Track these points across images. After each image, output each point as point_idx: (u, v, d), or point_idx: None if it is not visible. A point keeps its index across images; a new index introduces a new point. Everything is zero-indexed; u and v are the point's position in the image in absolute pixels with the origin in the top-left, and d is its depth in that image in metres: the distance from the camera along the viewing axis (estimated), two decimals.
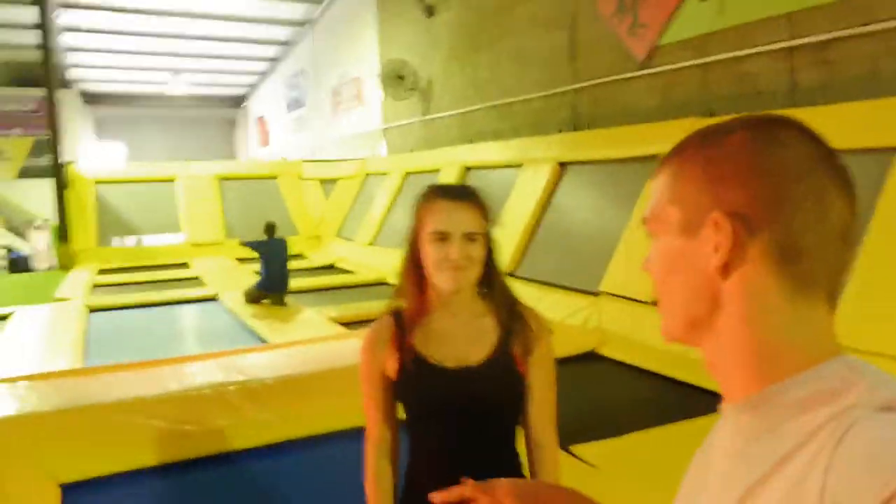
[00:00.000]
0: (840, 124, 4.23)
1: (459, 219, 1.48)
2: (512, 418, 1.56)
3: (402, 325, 1.55)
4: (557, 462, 1.58)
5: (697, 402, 3.61)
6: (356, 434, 2.29)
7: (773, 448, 0.60)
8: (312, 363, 3.45)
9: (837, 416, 0.57)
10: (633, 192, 5.62)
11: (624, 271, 5.29)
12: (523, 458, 1.59)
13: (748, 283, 0.65)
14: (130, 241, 11.37)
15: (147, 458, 2.69)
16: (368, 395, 1.59)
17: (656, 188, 0.72)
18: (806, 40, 4.94)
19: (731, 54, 5.54)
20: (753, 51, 5.36)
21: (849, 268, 0.67)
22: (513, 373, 1.52)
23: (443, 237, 1.47)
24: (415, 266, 1.53)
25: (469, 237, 1.48)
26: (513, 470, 1.54)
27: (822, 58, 4.89)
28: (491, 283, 1.57)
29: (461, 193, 1.53)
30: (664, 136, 5.26)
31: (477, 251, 1.49)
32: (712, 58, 5.73)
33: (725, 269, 0.65)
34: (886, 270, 3.54)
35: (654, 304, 0.80)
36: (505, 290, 1.59)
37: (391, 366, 1.55)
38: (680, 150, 0.71)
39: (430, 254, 1.48)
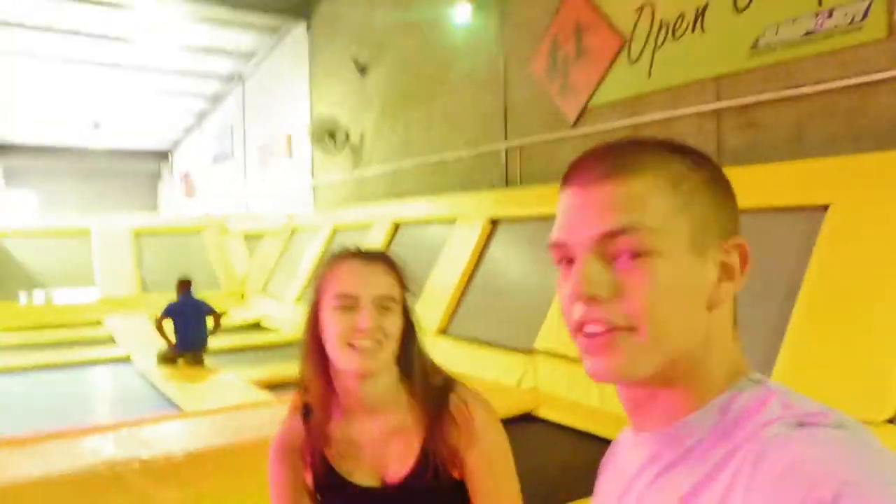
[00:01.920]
0: (767, 184, 4.29)
1: (370, 281, 1.22)
2: None
3: (311, 426, 1.26)
4: None
5: None
6: None
7: (693, 472, 0.60)
8: (227, 433, 3.12)
9: (753, 436, 0.58)
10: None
11: (557, 328, 5.17)
12: None
13: (724, 314, 0.65)
14: (38, 296, 10.64)
15: None
16: None
17: (628, 197, 0.63)
18: (732, 103, 5.05)
19: (660, 115, 5.62)
20: (681, 112, 5.46)
21: None
22: (444, 485, 1.22)
23: (349, 303, 1.20)
24: (318, 350, 1.25)
25: (382, 304, 1.22)
26: None
27: (747, 120, 5.01)
28: (410, 368, 1.28)
29: (373, 254, 1.29)
30: None
31: (391, 324, 1.23)
32: (642, 118, 5.81)
33: (721, 298, 0.64)
34: (820, 325, 3.52)
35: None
36: (426, 379, 1.28)
37: (309, 478, 1.27)
38: (659, 157, 0.66)
39: (333, 326, 1.20)
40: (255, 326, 9.61)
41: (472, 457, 1.23)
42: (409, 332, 1.29)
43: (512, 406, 4.47)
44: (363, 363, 1.19)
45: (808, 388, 3.27)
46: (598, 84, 6.25)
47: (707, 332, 0.63)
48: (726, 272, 0.65)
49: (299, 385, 1.31)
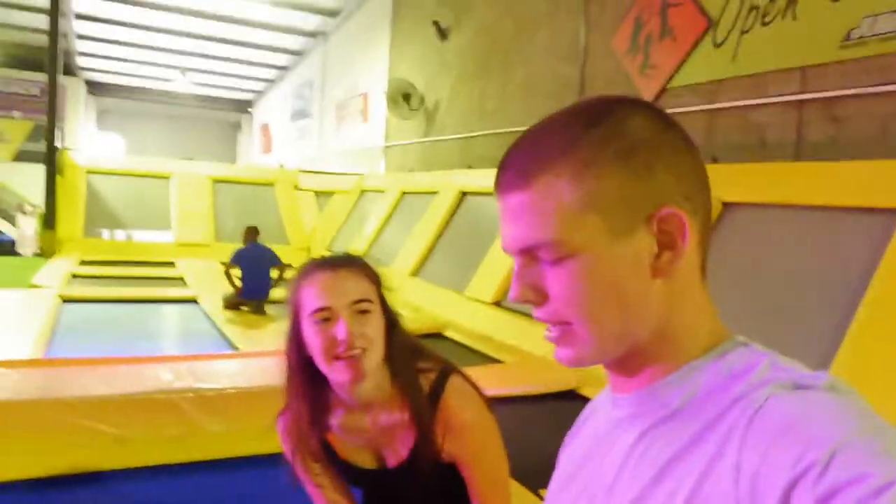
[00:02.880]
0: (846, 182, 4.15)
1: (341, 289, 1.22)
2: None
3: (315, 415, 1.30)
4: None
5: None
6: None
7: (682, 431, 0.60)
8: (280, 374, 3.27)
9: (747, 395, 0.57)
10: None
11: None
12: None
13: (680, 276, 0.63)
14: (118, 234, 11.19)
15: (89, 462, 2.50)
16: (304, 479, 1.37)
17: (530, 209, 0.62)
18: (817, 95, 4.86)
19: (740, 102, 5.46)
20: (763, 101, 5.29)
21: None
22: (438, 468, 1.27)
23: (326, 315, 1.20)
24: (303, 367, 1.26)
25: (358, 309, 1.22)
26: None
27: (831, 114, 4.81)
28: (398, 363, 1.29)
29: (339, 260, 1.29)
30: None
31: (372, 327, 1.23)
32: (721, 104, 5.65)
33: (666, 270, 0.62)
34: (883, 327, 3.41)
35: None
36: (412, 374, 1.29)
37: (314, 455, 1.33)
38: (554, 154, 0.63)
39: (316, 342, 1.21)
40: None
41: (462, 453, 1.28)
42: (391, 328, 1.29)
43: (556, 381, 4.50)
44: (352, 373, 1.21)
45: (863, 385, 3.18)
46: (680, 65, 6.09)
47: (665, 297, 0.62)
48: (666, 242, 0.61)
49: (286, 392, 1.33)
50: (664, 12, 6.24)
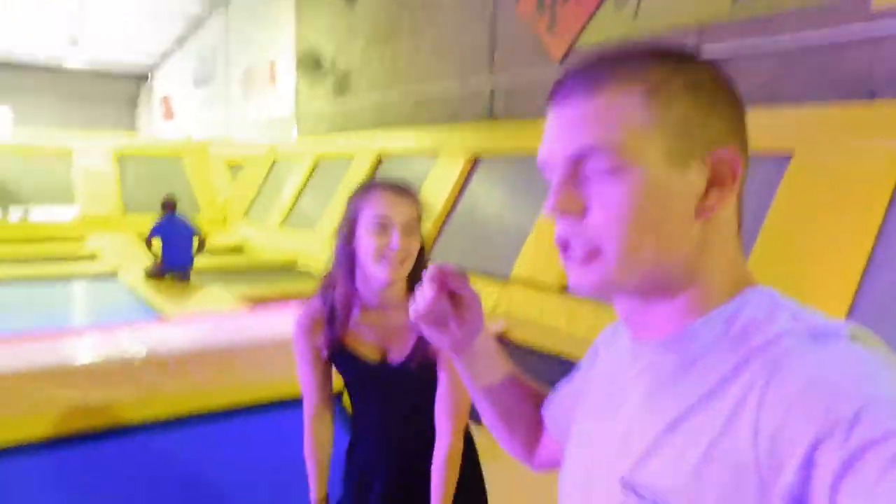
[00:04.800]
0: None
1: (401, 209, 1.48)
2: None
3: (332, 312, 1.56)
4: (449, 456, 1.53)
5: None
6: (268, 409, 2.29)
7: (699, 382, 0.59)
8: (225, 335, 3.37)
9: (766, 347, 0.56)
10: (546, 185, 5.78)
11: (533, 260, 5.45)
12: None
13: (719, 223, 0.63)
14: (16, 212, 10.63)
15: (45, 429, 2.55)
16: (305, 373, 1.62)
17: (594, 116, 0.62)
18: (712, 49, 5.24)
19: None
20: None
21: None
22: (432, 372, 1.54)
23: (384, 225, 1.46)
24: (347, 258, 1.52)
25: (408, 229, 1.48)
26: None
27: (727, 70, 5.18)
28: (417, 279, 1.54)
29: (402, 186, 1.55)
30: None
31: (414, 245, 1.51)
32: None
33: (710, 210, 0.62)
34: (776, 257, 3.82)
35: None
36: None
37: (324, 351, 1.58)
38: (637, 65, 0.63)
39: (370, 243, 1.46)
40: (237, 250, 9.77)
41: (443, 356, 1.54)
42: (421, 250, 1.56)
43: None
44: (392, 274, 1.47)
45: None
46: (585, 25, 6.38)
47: (700, 240, 0.62)
48: (717, 179, 0.62)
49: (323, 282, 1.60)
50: None
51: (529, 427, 0.93)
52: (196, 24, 18.17)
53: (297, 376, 1.62)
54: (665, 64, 0.63)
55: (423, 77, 8.88)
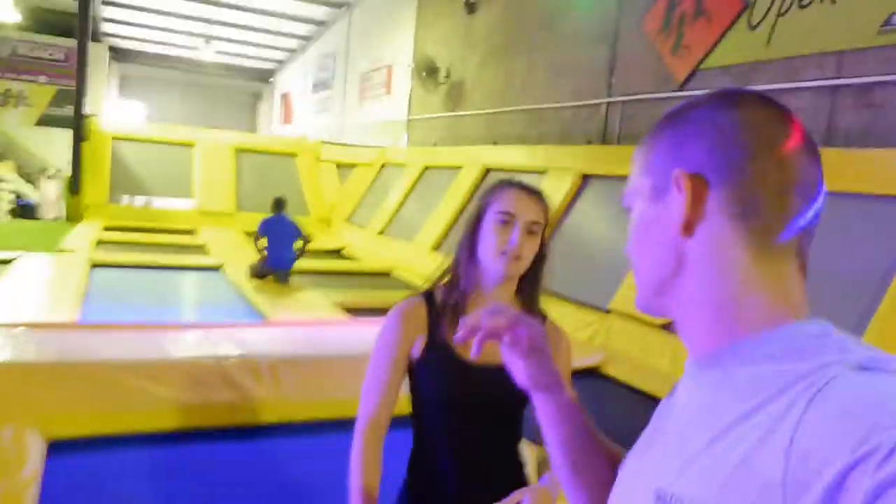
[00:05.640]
0: (879, 169, 4.12)
1: (526, 206, 1.49)
2: (521, 423, 1.55)
3: (435, 309, 1.54)
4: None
5: None
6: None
7: (737, 402, 0.60)
8: (320, 346, 3.34)
9: (810, 374, 0.56)
10: None
11: (635, 290, 5.19)
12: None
13: (711, 239, 0.66)
14: (140, 200, 11.27)
15: (141, 423, 2.59)
16: (378, 374, 1.52)
17: (632, 168, 0.76)
18: (852, 80, 4.82)
19: (772, 86, 5.42)
20: (796, 85, 5.25)
21: (812, 228, 0.67)
22: None
23: (508, 219, 1.47)
24: (472, 249, 1.54)
25: (531, 228, 1.49)
26: (513, 474, 1.54)
27: (866, 100, 4.78)
28: (530, 286, 1.56)
29: (532, 188, 1.55)
30: None
31: (532, 246, 1.50)
32: (754, 86, 5.61)
33: (688, 227, 0.67)
34: None
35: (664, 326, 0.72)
36: (536, 298, 1.58)
37: (418, 346, 1.51)
38: (653, 129, 0.75)
39: (492, 237, 1.48)
40: (337, 253, 9.93)
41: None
42: (539, 257, 1.54)
43: (580, 359, 4.55)
44: (507, 269, 1.48)
45: None
46: (714, 46, 6.05)
47: (697, 265, 0.67)
48: (696, 198, 0.66)
49: (443, 271, 1.59)
50: None
51: (599, 483, 0.89)
52: (321, 29, 18.77)
53: (367, 373, 1.51)
54: (676, 116, 0.72)
55: (537, 95, 8.74)
